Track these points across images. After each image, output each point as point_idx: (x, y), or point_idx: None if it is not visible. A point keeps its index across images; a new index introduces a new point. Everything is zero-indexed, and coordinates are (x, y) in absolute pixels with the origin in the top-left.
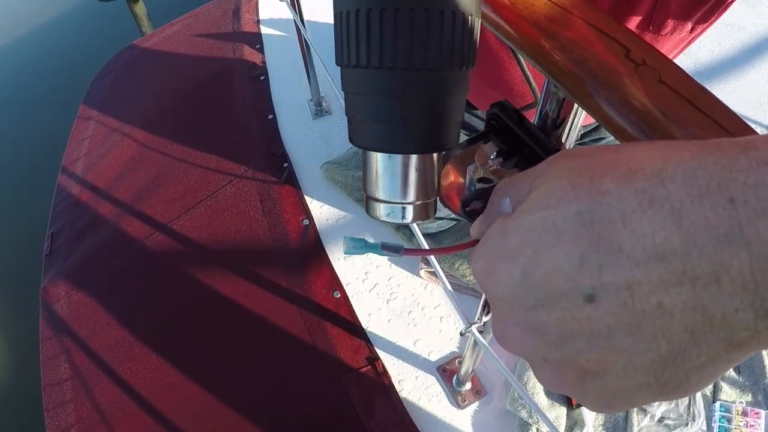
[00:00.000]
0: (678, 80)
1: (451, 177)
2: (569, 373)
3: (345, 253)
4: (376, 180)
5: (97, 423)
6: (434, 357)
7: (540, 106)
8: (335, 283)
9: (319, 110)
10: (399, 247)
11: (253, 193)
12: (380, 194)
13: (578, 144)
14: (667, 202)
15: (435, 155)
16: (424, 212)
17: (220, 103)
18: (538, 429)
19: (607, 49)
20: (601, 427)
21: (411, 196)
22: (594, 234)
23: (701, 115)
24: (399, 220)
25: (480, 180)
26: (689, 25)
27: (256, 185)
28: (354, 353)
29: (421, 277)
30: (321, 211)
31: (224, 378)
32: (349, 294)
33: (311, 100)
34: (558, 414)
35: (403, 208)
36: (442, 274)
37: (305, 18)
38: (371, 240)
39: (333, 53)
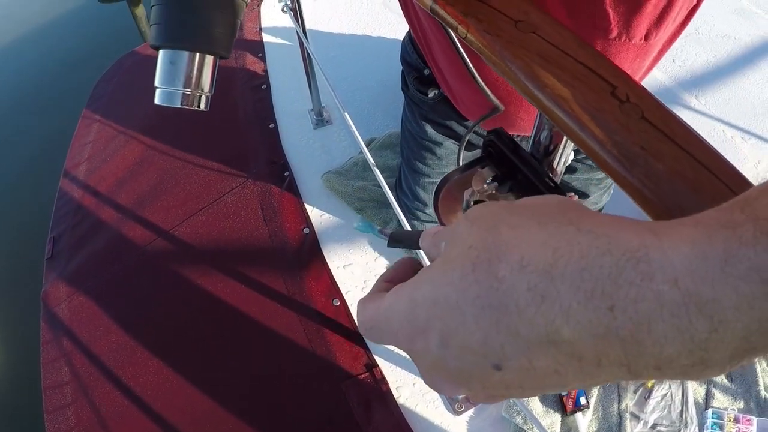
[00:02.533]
0: (659, 116)
1: (450, 201)
2: (491, 400)
3: (355, 227)
4: (160, 72)
5: (97, 426)
6: None
7: (533, 135)
8: (334, 290)
9: (320, 120)
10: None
11: (254, 201)
12: (157, 82)
13: (573, 161)
14: (557, 302)
15: (202, 58)
16: (193, 100)
17: (222, 111)
18: None
19: (594, 87)
20: None
21: (180, 84)
22: (493, 319)
23: (678, 149)
24: (176, 104)
25: (477, 203)
26: (638, 32)
27: (257, 193)
28: (353, 360)
29: None
30: (321, 220)
31: (224, 383)
32: (348, 302)
33: (312, 109)
34: (552, 421)
35: (177, 94)
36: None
37: (307, 28)
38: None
39: (335, 64)
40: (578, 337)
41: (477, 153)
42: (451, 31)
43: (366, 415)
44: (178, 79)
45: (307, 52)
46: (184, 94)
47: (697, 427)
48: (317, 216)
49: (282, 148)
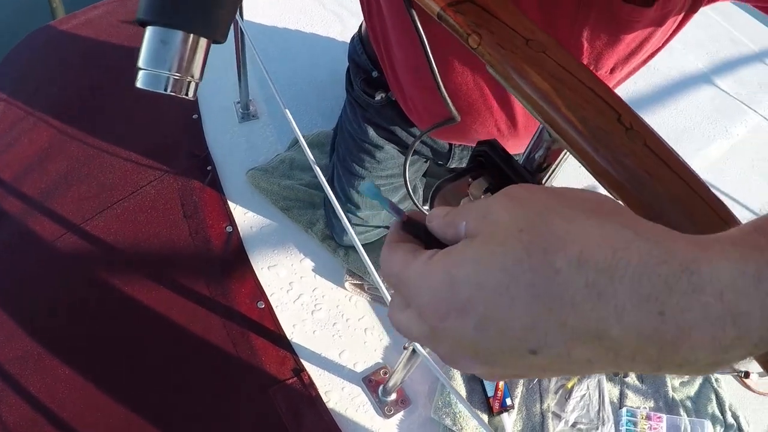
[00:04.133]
0: (657, 145)
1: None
2: (505, 378)
3: (359, 190)
4: (146, 51)
5: None
6: (360, 368)
7: (529, 150)
8: (259, 293)
9: (246, 114)
10: (401, 212)
11: (173, 195)
12: (142, 63)
13: None
14: (613, 301)
15: (196, 40)
16: (181, 87)
17: (143, 98)
18: None
19: (603, 112)
20: None
21: (168, 67)
22: (545, 308)
23: (675, 176)
24: (161, 90)
25: None
26: (606, 65)
27: (178, 187)
28: (280, 365)
29: (346, 289)
30: (245, 219)
31: (143, 391)
32: (274, 304)
33: (239, 102)
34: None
35: (163, 78)
36: (381, 285)
37: (245, 17)
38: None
39: (271, 52)
40: (625, 335)
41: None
42: (424, 38)
43: (295, 421)
44: (168, 61)
45: (241, 37)
46: (172, 78)
47: (613, 425)
48: (241, 214)
49: (205, 141)
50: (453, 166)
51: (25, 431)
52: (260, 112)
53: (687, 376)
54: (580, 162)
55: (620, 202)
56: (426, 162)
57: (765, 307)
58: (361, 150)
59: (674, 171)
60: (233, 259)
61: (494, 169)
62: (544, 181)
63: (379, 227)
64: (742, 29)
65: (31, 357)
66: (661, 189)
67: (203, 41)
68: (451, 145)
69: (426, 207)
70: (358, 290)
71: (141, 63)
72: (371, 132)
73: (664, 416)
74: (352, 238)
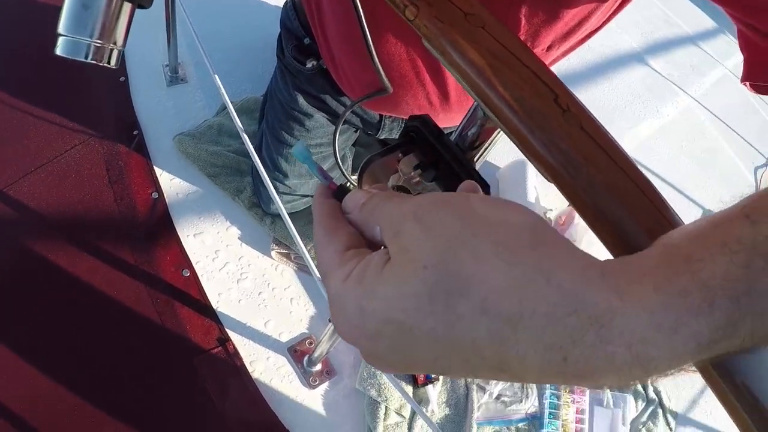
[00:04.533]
0: (594, 128)
1: (372, 185)
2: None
3: (292, 153)
4: (66, 17)
5: None
6: (285, 338)
7: (462, 127)
8: (184, 261)
9: (175, 78)
10: (329, 178)
11: (98, 160)
12: (62, 29)
13: None
14: (515, 348)
15: (119, 4)
16: (103, 55)
17: (68, 60)
18: (386, 407)
19: (540, 93)
20: (444, 404)
21: (90, 34)
22: (446, 349)
23: (611, 162)
24: (81, 57)
25: (398, 189)
26: (543, 42)
27: (103, 152)
28: (204, 334)
29: (272, 258)
30: (171, 185)
31: (66, 362)
32: (199, 273)
33: (167, 65)
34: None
35: (84, 45)
36: (309, 258)
37: None
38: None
39: (202, 14)
40: (527, 372)
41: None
42: (359, 7)
43: (220, 390)
44: (89, 27)
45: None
46: (93, 45)
47: (537, 398)
48: (167, 180)
49: (132, 105)
50: (383, 137)
51: None
52: (189, 76)
53: None
54: (514, 143)
55: (548, 220)
56: (356, 132)
57: (677, 353)
58: (291, 118)
59: (611, 157)
60: (158, 226)
61: (425, 145)
62: (476, 159)
63: (306, 196)
64: (677, 11)
65: None
66: (597, 175)
67: (127, 6)
68: (381, 116)
69: (355, 177)
70: (285, 259)
71: (61, 29)
72: (301, 100)
73: (588, 390)
74: (278, 207)
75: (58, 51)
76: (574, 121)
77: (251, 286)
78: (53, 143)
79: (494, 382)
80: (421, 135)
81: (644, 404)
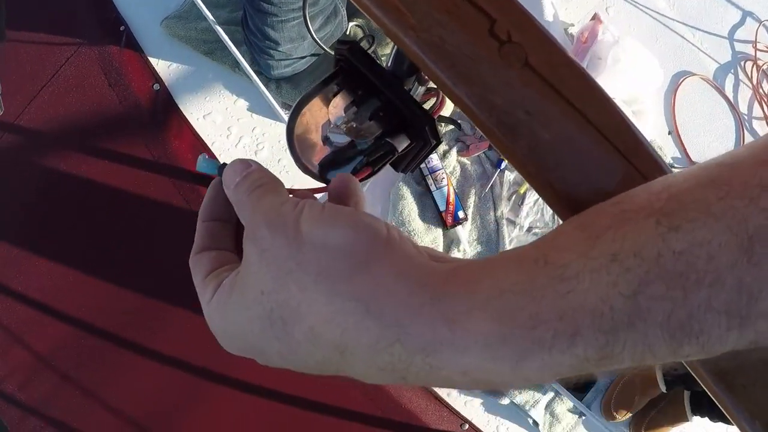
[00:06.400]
0: (544, 59)
1: (306, 130)
2: None
3: (198, 169)
4: None
5: (11, 346)
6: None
7: (395, 48)
8: (200, 144)
9: None
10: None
11: (94, 67)
12: None
13: None
14: (351, 370)
15: None
16: None
17: None
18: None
19: (468, 24)
20: (475, 242)
21: None
22: (299, 366)
23: (568, 106)
24: None
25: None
26: None
27: (96, 58)
28: None
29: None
30: (170, 72)
31: (115, 264)
32: (216, 153)
33: None
34: (435, 236)
35: None
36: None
37: None
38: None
39: None
40: (373, 382)
41: None
42: None
43: None
44: None
45: None
46: None
47: None
48: (165, 68)
49: (111, 0)
50: None
51: (23, 326)
52: None
53: None
54: (448, 99)
55: (397, 231)
56: None
57: (528, 377)
58: None
59: (566, 99)
60: (167, 116)
61: (357, 75)
62: (422, 84)
63: (304, 57)
64: None
65: (9, 263)
66: (546, 134)
67: None
68: None
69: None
70: None
71: None
72: None
73: None
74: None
75: None
76: (516, 57)
77: (269, 155)
78: (46, 63)
79: (524, 214)
80: (350, 65)
81: None
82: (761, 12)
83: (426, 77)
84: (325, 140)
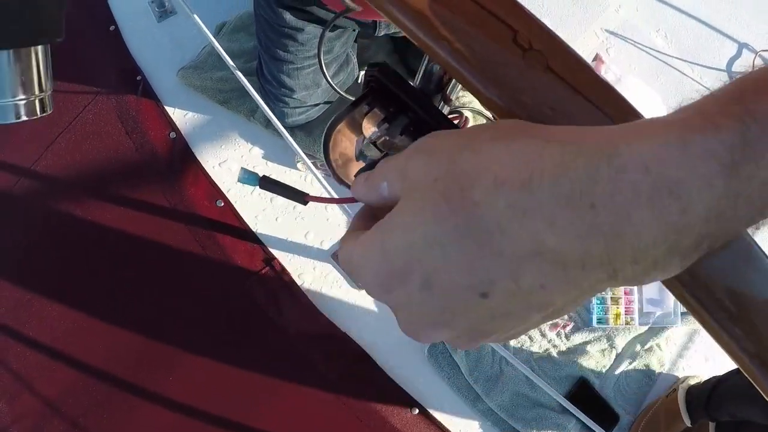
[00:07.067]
0: (564, 64)
1: (342, 148)
2: (473, 341)
3: (239, 181)
4: None
5: (20, 388)
6: (326, 245)
7: (423, 67)
8: (215, 191)
9: (163, 12)
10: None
11: (111, 115)
12: None
13: None
14: (539, 212)
15: (28, 53)
16: (33, 108)
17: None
18: None
19: (494, 34)
20: None
21: (10, 94)
22: (476, 244)
23: (588, 105)
24: (13, 120)
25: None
26: None
27: (113, 106)
28: (250, 258)
29: (299, 170)
30: (186, 121)
31: (129, 310)
32: (232, 200)
33: (153, 1)
34: None
35: (10, 108)
36: (315, 171)
37: None
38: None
39: None
40: (563, 241)
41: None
42: None
43: (276, 307)
44: (5, 88)
45: None
46: (17, 104)
47: None
48: (181, 117)
49: (128, 51)
50: (382, 34)
51: (36, 373)
52: (177, 5)
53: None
54: (479, 101)
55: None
56: (354, 31)
57: (701, 174)
58: (282, 35)
59: (585, 97)
60: (183, 164)
61: (388, 95)
62: (451, 98)
63: (318, 104)
64: None
65: (21, 305)
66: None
67: (39, 49)
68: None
69: (361, 74)
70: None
71: None
72: (288, 16)
73: None
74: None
75: None
76: (539, 62)
77: (285, 201)
78: (64, 110)
79: None
80: (382, 85)
81: None
82: (756, 43)
83: (450, 96)
84: (359, 155)
